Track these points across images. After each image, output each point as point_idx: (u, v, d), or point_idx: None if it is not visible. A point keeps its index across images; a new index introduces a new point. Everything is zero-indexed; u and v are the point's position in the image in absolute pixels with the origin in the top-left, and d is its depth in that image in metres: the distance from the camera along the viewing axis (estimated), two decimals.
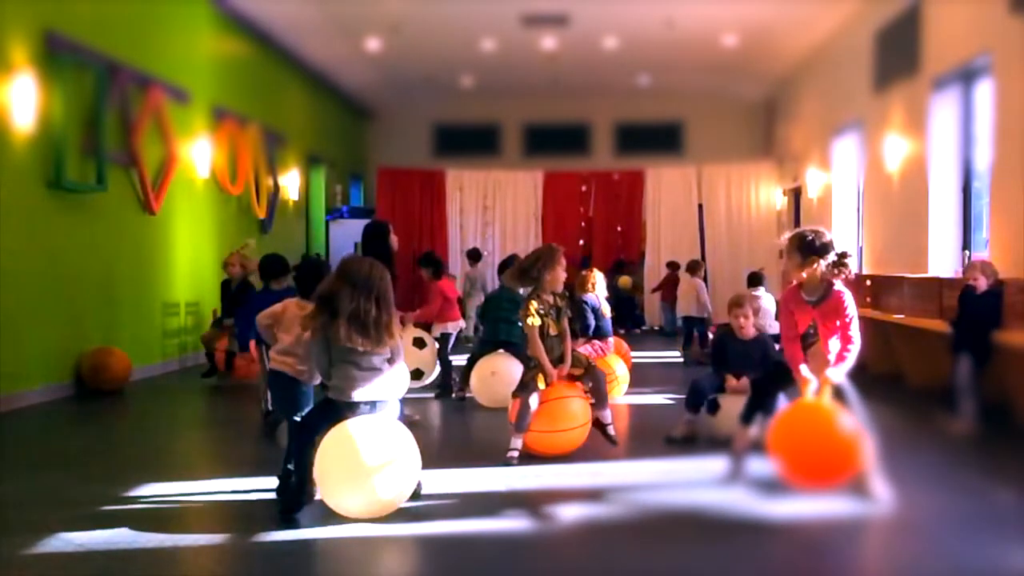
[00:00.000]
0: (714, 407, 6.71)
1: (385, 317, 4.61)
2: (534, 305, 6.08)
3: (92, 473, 5.98)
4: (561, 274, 6.17)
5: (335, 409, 4.69)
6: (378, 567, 4.30)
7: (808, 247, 5.13)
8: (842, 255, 5.10)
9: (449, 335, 9.04)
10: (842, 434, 4.79)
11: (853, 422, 4.84)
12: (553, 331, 6.13)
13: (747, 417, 5.65)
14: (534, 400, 5.96)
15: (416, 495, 4.93)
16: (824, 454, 4.80)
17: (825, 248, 5.09)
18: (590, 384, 6.18)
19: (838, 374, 5.01)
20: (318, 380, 5.02)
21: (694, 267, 13.36)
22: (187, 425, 8.18)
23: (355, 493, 4.52)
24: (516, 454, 5.92)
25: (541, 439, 6.05)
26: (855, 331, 5.09)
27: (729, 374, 6.71)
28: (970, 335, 7.26)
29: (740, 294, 6.84)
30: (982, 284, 7.38)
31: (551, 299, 6.19)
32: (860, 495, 4.89)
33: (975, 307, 7.38)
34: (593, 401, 6.19)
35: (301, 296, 5.23)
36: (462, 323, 9.30)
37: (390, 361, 4.75)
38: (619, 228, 18.05)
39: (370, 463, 4.48)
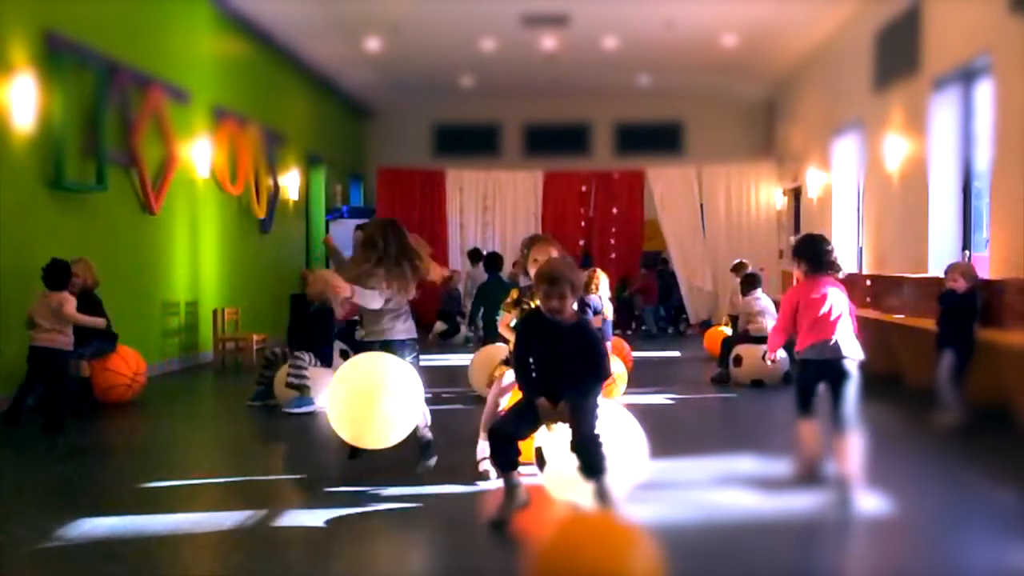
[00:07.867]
0: (541, 460, 4.76)
1: (417, 262, 5.42)
2: (514, 295, 5.75)
3: (92, 471, 5.99)
4: (533, 266, 5.48)
5: (370, 349, 5.40)
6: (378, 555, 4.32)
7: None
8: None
9: None
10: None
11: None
12: None
13: (805, 406, 5.25)
14: (502, 400, 5.68)
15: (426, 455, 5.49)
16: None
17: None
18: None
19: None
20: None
21: (740, 269, 12.07)
22: (185, 424, 8.17)
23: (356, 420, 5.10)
24: (487, 464, 5.30)
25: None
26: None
27: (539, 394, 4.58)
28: (953, 333, 7.40)
29: (552, 266, 4.71)
30: (961, 286, 7.51)
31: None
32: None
33: (957, 306, 7.50)
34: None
35: (50, 288, 7.27)
36: None
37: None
38: (613, 229, 18.00)
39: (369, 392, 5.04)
